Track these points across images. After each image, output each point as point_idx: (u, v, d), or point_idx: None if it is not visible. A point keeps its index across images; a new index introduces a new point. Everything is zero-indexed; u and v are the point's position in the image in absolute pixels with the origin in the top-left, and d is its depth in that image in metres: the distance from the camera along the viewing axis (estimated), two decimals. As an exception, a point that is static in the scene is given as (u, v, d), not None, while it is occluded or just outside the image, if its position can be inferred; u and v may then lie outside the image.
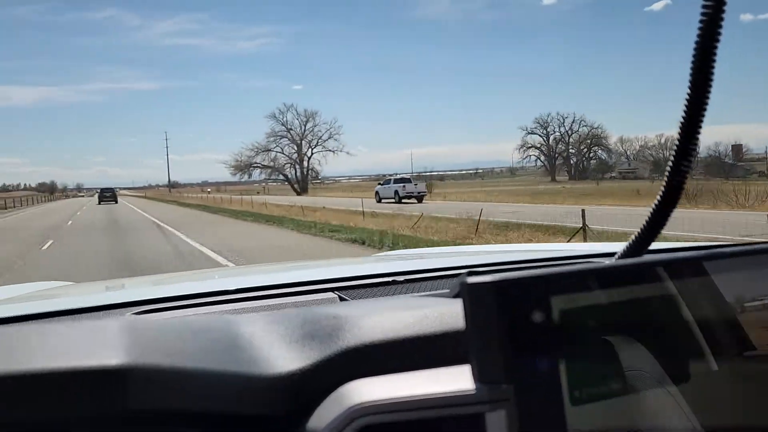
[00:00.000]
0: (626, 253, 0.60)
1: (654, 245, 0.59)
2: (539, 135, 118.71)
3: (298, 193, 76.41)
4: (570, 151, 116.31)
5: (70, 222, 26.01)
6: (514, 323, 0.46)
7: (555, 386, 0.47)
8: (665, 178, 0.54)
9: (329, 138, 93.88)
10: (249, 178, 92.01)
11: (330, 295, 1.04)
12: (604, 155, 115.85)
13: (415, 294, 0.98)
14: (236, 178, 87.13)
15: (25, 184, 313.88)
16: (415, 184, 34.49)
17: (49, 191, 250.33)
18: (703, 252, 0.55)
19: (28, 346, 0.50)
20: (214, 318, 0.63)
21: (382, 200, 33.74)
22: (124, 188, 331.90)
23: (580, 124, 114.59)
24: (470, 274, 0.56)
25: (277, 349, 0.55)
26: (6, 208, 48.71)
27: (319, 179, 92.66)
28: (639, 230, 0.58)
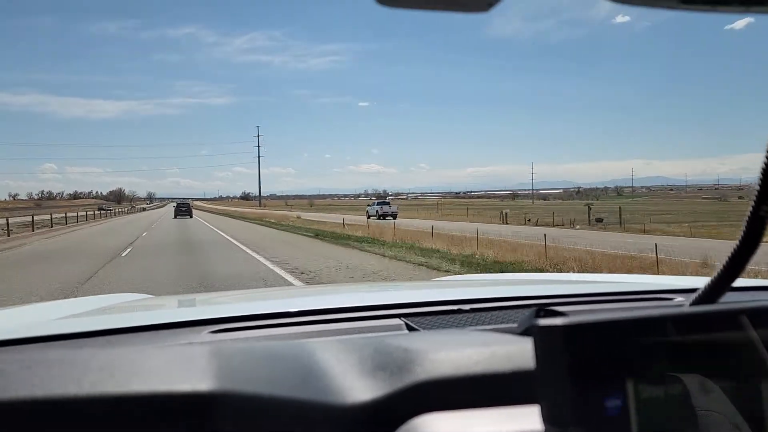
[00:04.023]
0: (703, 297, 0.58)
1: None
2: None
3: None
4: None
5: None
6: (584, 366, 0.45)
7: (624, 430, 0.46)
8: (746, 221, 0.52)
9: None
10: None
11: (396, 321, 1.03)
12: None
13: (482, 327, 0.96)
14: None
15: (97, 192, 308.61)
16: (390, 206, 46.80)
17: (116, 200, 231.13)
18: None
19: (126, 368, 0.52)
20: (291, 344, 0.65)
21: (370, 217, 42.24)
22: (197, 199, 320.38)
23: None
24: (539, 310, 0.55)
25: (350, 379, 0.55)
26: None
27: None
28: (717, 272, 0.56)
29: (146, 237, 23.37)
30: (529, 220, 37.20)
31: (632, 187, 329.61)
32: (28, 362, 0.53)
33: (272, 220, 38.26)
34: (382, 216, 43.51)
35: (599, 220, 35.67)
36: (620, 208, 37.07)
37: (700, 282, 0.58)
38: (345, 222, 27.36)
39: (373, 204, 48.14)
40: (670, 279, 1.62)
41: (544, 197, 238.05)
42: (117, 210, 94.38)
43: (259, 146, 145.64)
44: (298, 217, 42.31)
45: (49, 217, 38.65)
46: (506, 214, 39.91)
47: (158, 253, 15.62)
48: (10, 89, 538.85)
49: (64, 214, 40.08)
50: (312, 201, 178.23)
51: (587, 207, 44.02)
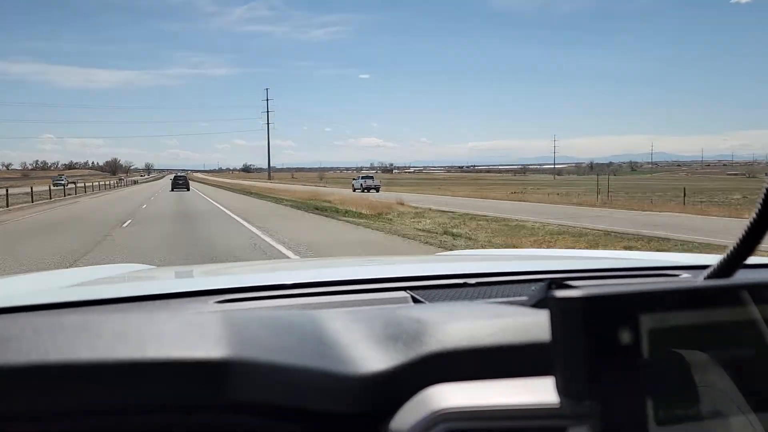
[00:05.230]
0: (718, 271, 0.58)
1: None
2: None
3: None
4: None
5: None
6: (601, 339, 0.45)
7: (640, 405, 0.46)
8: (762, 194, 0.52)
9: None
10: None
11: (402, 294, 1.03)
12: None
13: (491, 300, 0.96)
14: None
15: (93, 163, 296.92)
16: (373, 180, 51.10)
17: (111, 171, 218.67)
18: None
19: (139, 334, 0.52)
20: (301, 314, 0.64)
21: (355, 190, 46.57)
22: (196, 171, 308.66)
23: None
24: (551, 283, 0.56)
25: (362, 349, 0.55)
26: None
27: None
28: (732, 247, 0.56)
29: (154, 198, 18.21)
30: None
31: (651, 162, 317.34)
32: (38, 327, 0.52)
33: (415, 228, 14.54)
34: (366, 189, 46.90)
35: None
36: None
37: (709, 259, 0.55)
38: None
39: (358, 178, 52.74)
40: (679, 256, 1.59)
41: (559, 172, 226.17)
42: (101, 183, 68.06)
43: (268, 111, 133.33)
44: (402, 203, 22.82)
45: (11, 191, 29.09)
46: None
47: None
48: (7, 57, 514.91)
49: (6, 191, 28.15)
50: (322, 174, 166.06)
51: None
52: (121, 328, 0.53)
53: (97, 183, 66.58)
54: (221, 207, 25.40)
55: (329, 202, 25.93)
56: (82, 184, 57.83)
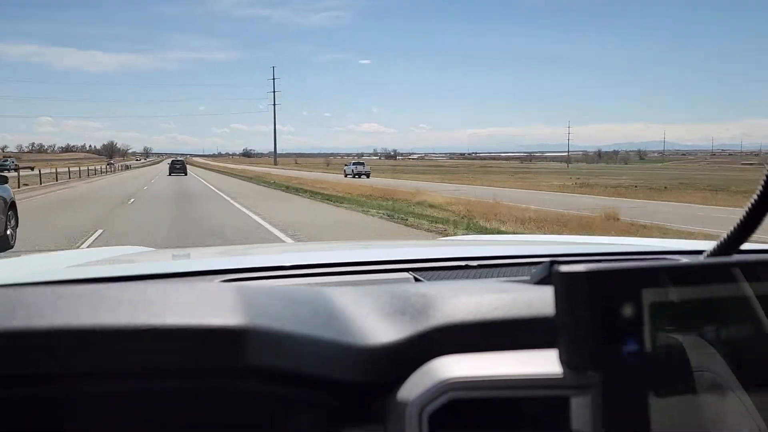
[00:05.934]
0: (716, 252, 0.59)
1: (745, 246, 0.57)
2: None
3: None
4: None
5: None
6: (604, 313, 0.46)
7: (641, 377, 0.47)
8: (764, 177, 0.52)
9: None
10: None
11: (405, 275, 1.03)
12: None
13: (492, 279, 0.96)
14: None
15: (90, 146, 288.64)
16: (364, 166, 53.30)
17: (108, 154, 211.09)
18: None
19: (157, 303, 0.53)
20: (309, 289, 0.64)
21: (347, 176, 49.57)
22: (195, 155, 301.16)
23: None
24: (553, 262, 0.57)
25: (370, 322, 0.56)
26: None
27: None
28: (731, 229, 0.57)
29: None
30: None
31: (661, 152, 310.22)
32: (59, 294, 0.53)
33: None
34: (357, 175, 49.17)
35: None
36: None
37: (707, 245, 0.60)
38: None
39: (350, 164, 55.31)
40: (677, 242, 1.60)
41: (568, 160, 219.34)
42: (83, 168, 51.28)
43: (275, 91, 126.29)
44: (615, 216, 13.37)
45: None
46: None
47: None
48: (6, 39, 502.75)
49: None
50: (328, 160, 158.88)
51: None
52: (138, 297, 0.53)
53: (75, 169, 48.94)
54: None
55: (435, 206, 16.80)
56: (52, 171, 40.47)
